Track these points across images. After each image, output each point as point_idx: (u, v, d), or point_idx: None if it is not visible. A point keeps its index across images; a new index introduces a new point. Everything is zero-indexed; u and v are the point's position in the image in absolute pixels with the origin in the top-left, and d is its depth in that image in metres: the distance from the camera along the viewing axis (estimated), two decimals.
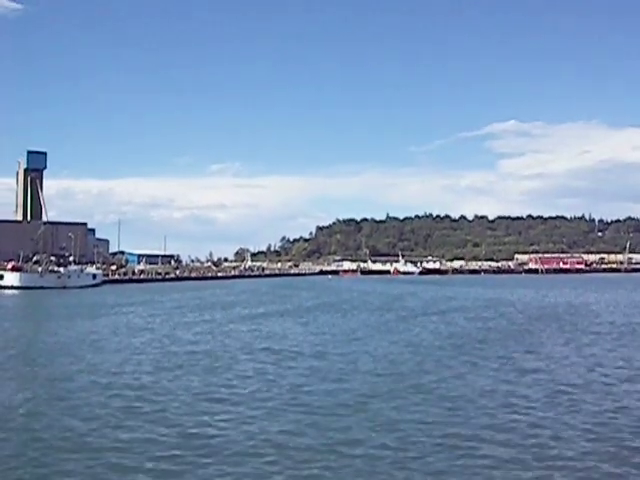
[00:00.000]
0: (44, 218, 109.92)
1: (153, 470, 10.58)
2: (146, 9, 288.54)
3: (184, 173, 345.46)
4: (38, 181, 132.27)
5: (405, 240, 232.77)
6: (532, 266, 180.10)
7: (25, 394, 16.12)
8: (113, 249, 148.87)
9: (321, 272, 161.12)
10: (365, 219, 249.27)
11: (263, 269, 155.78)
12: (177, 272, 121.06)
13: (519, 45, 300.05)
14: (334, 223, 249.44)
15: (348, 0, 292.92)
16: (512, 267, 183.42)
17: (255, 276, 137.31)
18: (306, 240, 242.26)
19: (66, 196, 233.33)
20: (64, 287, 75.17)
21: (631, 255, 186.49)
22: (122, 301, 54.63)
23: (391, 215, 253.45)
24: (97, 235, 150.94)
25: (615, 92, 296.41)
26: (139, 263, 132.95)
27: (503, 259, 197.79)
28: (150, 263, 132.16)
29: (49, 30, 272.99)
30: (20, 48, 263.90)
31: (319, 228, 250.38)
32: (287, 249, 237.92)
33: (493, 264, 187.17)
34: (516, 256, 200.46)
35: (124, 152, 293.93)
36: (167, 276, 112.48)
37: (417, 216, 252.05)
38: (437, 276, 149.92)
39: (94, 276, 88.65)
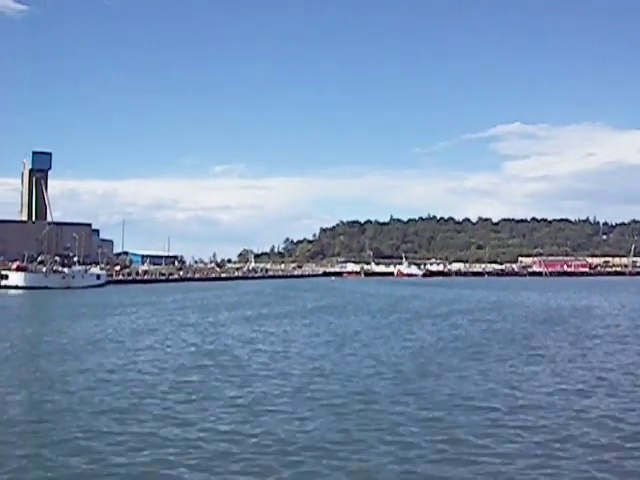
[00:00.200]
0: (49, 218, 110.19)
1: (154, 470, 10.58)
2: (146, 9, 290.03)
3: (189, 174, 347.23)
4: (43, 181, 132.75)
5: (409, 242, 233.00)
6: (536, 269, 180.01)
7: (29, 393, 16.14)
8: (117, 250, 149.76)
9: (324, 274, 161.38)
10: (369, 221, 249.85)
11: (267, 270, 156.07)
12: (181, 273, 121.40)
13: (519, 45, 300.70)
14: (338, 225, 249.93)
15: (348, 0, 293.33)
16: (516, 270, 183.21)
17: (259, 277, 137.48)
18: (310, 241, 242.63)
19: (71, 197, 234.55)
20: (68, 287, 75.47)
21: (636, 258, 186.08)
22: (126, 301, 54.75)
23: (395, 217, 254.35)
24: (101, 236, 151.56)
25: (620, 94, 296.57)
26: (143, 264, 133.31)
27: (507, 262, 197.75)
28: (154, 264, 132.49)
29: (54, 31, 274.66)
30: (24, 49, 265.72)
31: (323, 230, 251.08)
32: (291, 250, 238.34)
33: (497, 267, 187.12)
34: (520, 259, 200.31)
35: (127, 152, 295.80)
36: (171, 277, 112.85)
37: (421, 218, 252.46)
38: (440, 278, 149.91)
39: (98, 276, 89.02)
